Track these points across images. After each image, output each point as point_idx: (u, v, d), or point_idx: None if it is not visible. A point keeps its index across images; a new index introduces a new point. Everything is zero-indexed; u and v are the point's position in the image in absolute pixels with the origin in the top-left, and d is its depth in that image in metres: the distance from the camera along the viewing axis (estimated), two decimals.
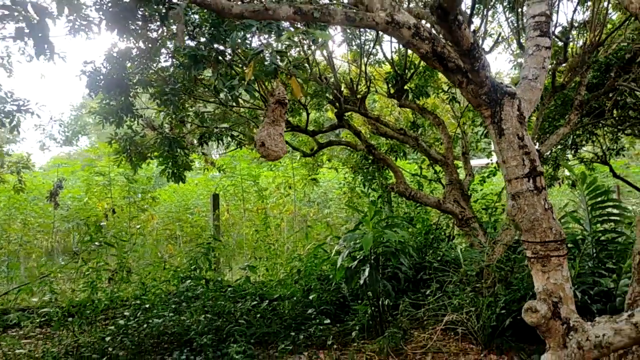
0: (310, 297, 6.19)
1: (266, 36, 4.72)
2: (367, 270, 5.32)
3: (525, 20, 3.21)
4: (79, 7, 5.31)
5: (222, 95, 6.57)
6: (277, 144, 4.26)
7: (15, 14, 2.65)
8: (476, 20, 7.95)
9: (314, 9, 2.52)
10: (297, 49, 6.96)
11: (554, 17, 7.78)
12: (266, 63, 3.70)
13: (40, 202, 10.60)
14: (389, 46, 23.50)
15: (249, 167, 10.84)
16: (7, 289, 7.87)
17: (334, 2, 4.55)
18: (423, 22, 5.63)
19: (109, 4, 5.35)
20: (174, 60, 6.86)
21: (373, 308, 5.80)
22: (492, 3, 8.16)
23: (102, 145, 10.02)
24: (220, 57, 5.03)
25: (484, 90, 2.71)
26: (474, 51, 2.51)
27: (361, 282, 5.37)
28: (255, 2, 3.08)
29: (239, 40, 4.44)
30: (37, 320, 6.17)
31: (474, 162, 10.48)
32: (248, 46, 4.79)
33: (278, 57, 3.69)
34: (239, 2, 2.71)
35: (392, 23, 2.59)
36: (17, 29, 2.66)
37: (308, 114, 7.47)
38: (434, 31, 2.71)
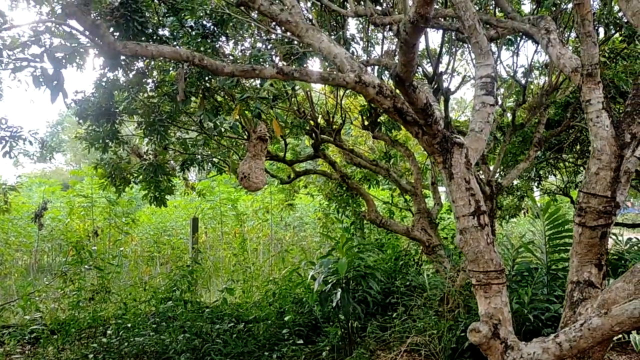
0: (285, 319, 6.55)
1: (251, 80, 5.16)
2: (339, 293, 5.72)
3: (474, 81, 3.71)
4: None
5: (206, 125, 6.97)
6: (257, 176, 4.69)
7: (32, 64, 3.04)
8: (445, 57, 8.55)
9: (294, 70, 2.97)
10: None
11: (516, 59, 8.41)
12: (251, 106, 4.13)
13: (20, 221, 10.79)
14: None
15: (228, 192, 11.21)
16: None
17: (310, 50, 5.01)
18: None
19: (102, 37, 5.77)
20: (159, 89, 7.24)
21: (343, 330, 6.18)
22: (460, 44, 8.72)
23: (86, 168, 10.30)
24: (207, 94, 5.46)
25: (436, 141, 3.18)
26: (427, 110, 2.98)
27: (333, 304, 5.75)
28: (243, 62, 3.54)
29: (227, 81, 4.87)
30: (17, 338, 6.40)
31: (443, 189, 11.02)
32: (233, 87, 5.21)
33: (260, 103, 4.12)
34: (230, 63, 3.14)
35: (360, 83, 3.04)
36: (34, 77, 3.05)
37: (286, 144, 7.91)
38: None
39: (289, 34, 6.15)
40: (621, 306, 2.78)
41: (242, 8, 6.28)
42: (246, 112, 4.63)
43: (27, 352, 6.30)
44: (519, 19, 4.05)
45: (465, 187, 3.20)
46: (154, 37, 5.96)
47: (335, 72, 3.12)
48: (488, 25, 4.56)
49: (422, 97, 2.90)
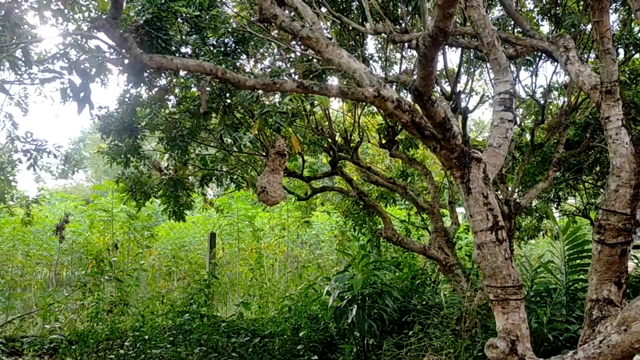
0: (301, 334, 6.54)
1: (271, 97, 5.25)
2: (355, 310, 5.71)
3: (492, 99, 3.74)
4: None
5: (226, 140, 7.07)
6: (276, 190, 4.74)
7: (60, 77, 3.14)
8: (464, 77, 8.59)
9: (314, 84, 3.03)
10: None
11: (534, 79, 8.40)
12: (270, 122, 4.20)
13: (42, 234, 10.96)
14: None
15: (245, 208, 11.29)
16: (5, 319, 8.13)
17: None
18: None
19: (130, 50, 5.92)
20: (181, 106, 7.37)
21: (358, 347, 6.15)
22: (479, 63, 8.76)
23: (106, 183, 10.46)
24: (227, 110, 5.56)
25: (454, 155, 3.20)
26: (445, 124, 3.01)
27: (349, 321, 5.74)
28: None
29: (247, 97, 4.96)
30: (36, 348, 6.47)
31: (460, 210, 10.99)
32: (253, 102, 5.30)
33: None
34: (252, 77, 3.21)
35: (379, 97, 3.09)
36: (62, 90, 3.15)
37: (304, 161, 7.98)
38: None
39: (309, 51, 6.26)
40: None
41: (263, 26, 6.43)
42: (265, 127, 4.70)
43: None
44: (537, 37, 4.08)
45: (483, 202, 3.21)
46: (177, 55, 6.09)
47: (354, 87, 3.17)
48: (507, 43, 4.60)
49: (440, 111, 2.93)
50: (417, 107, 3.03)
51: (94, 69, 3.22)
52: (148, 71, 6.49)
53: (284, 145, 4.78)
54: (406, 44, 5.80)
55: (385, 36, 4.98)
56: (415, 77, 3.47)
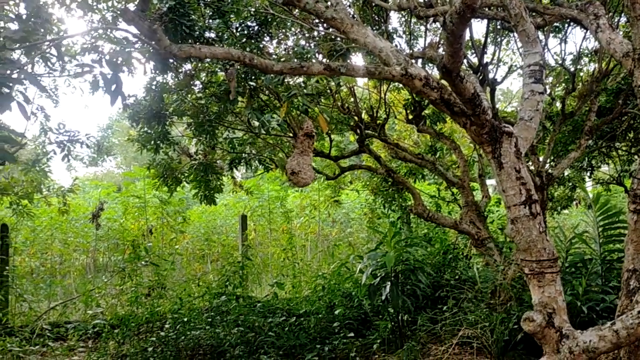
0: (336, 312, 6.63)
1: (295, 78, 5.26)
2: (388, 287, 5.76)
3: (521, 70, 3.68)
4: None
5: (253, 123, 7.11)
6: (305, 172, 4.77)
7: (92, 69, 3.20)
8: (490, 47, 8.43)
9: (341, 66, 3.03)
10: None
11: (564, 46, 8.23)
12: (297, 103, 4.22)
13: (77, 222, 11.26)
14: None
15: (276, 190, 11.39)
16: (48, 305, 8.41)
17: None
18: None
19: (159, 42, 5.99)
20: (207, 91, 7.43)
21: (393, 323, 6.21)
22: (505, 32, 8.58)
23: (137, 170, 10.65)
24: (253, 93, 5.59)
25: (485, 131, 3.18)
26: (475, 100, 2.99)
27: (383, 298, 5.80)
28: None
29: (273, 79, 4.98)
30: (80, 333, 6.70)
31: (490, 182, 10.85)
32: (279, 84, 5.31)
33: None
34: (275, 57, 3.21)
35: (406, 75, 3.08)
36: (93, 82, 3.22)
37: (331, 141, 7.98)
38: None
39: (331, 30, 6.23)
40: None
41: (285, 7, 6.41)
42: (293, 109, 4.72)
43: (89, 346, 6.61)
44: (566, 5, 3.99)
45: (515, 177, 3.20)
46: (201, 40, 6.13)
47: (381, 66, 3.16)
48: (534, 13, 4.50)
49: (469, 87, 2.91)
50: (445, 83, 3.01)
51: (122, 62, 3.27)
52: (173, 58, 6.56)
53: (312, 127, 4.80)
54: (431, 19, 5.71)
55: (410, 11, 4.91)
56: (441, 52, 3.42)
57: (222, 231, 12.51)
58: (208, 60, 6.68)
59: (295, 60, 7.03)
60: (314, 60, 6.68)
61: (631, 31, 3.30)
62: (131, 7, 6.22)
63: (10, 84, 2.43)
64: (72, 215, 10.63)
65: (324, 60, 5.78)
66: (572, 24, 7.68)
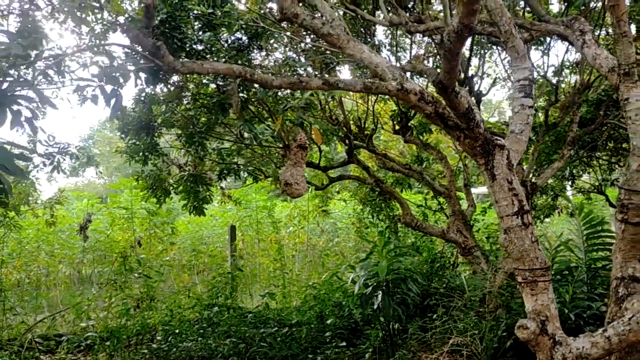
0: (328, 322, 6.67)
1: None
2: (380, 296, 5.83)
3: (505, 82, 3.80)
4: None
5: (245, 134, 7.16)
6: (299, 183, 4.84)
7: (92, 84, 3.24)
8: (474, 60, 8.59)
9: (339, 81, 3.11)
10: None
11: (547, 59, 8.41)
12: (289, 116, 4.28)
13: (63, 234, 11.15)
14: None
15: (263, 200, 11.41)
16: (34, 318, 8.31)
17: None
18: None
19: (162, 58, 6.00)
20: (196, 102, 7.45)
21: (384, 332, 6.28)
22: (489, 45, 8.75)
23: (124, 181, 10.61)
24: (244, 105, 5.65)
25: (478, 143, 3.28)
26: (469, 114, 3.09)
27: (375, 307, 5.86)
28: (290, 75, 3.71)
29: (264, 91, 5.05)
30: (75, 345, 6.65)
31: (475, 191, 10.99)
32: (268, 96, 5.38)
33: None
34: (277, 76, 3.28)
35: (402, 90, 3.17)
36: (93, 96, 3.25)
37: (320, 152, 8.05)
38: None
39: (321, 42, 6.32)
40: None
41: (274, 19, 6.49)
42: (286, 121, 4.79)
43: (80, 359, 6.56)
44: (552, 21, 4.12)
45: (507, 188, 3.30)
46: (192, 52, 6.17)
47: (377, 81, 3.25)
48: (522, 29, 4.64)
49: (464, 102, 3.01)
50: (439, 97, 3.11)
51: (120, 77, 3.32)
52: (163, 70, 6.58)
53: (305, 139, 4.88)
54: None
55: (402, 27, 5.02)
56: (430, 65, 3.51)
57: (208, 242, 12.48)
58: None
59: (283, 71, 7.14)
60: (301, 71, 6.77)
61: (616, 47, 3.43)
62: (121, 19, 6.28)
63: (20, 102, 2.47)
64: (58, 227, 10.54)
65: (315, 72, 5.86)
66: (554, 37, 7.88)
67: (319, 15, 3.72)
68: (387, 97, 9.31)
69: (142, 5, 4.87)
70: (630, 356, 3.36)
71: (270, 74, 3.20)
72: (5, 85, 2.43)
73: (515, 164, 3.42)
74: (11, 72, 2.65)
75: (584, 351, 3.11)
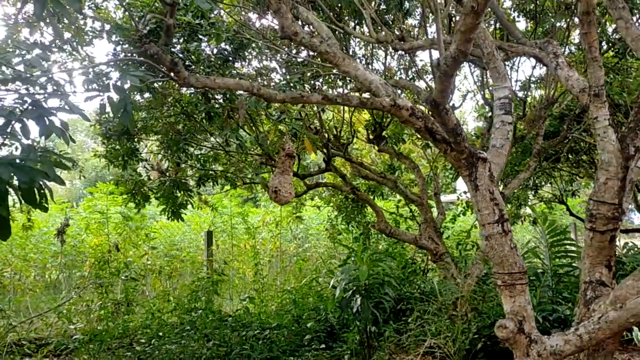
0: (308, 325, 6.86)
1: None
2: (359, 299, 6.06)
3: (493, 101, 4.11)
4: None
5: (231, 142, 7.32)
6: (287, 190, 5.04)
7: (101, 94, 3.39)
8: None
9: (337, 96, 3.35)
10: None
11: (515, 75, 8.86)
12: (281, 127, 4.50)
13: (35, 238, 11.03)
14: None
15: (238, 206, 11.55)
16: (6, 324, 8.20)
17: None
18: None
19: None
20: (175, 108, 7.57)
21: (361, 335, 6.51)
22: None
23: (101, 185, 10.59)
24: (230, 114, 5.82)
25: (463, 156, 3.56)
26: (456, 129, 3.36)
27: (353, 310, 6.09)
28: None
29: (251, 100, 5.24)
30: (50, 349, 6.66)
31: (443, 198, 11.40)
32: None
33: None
34: (280, 91, 3.50)
35: (395, 106, 3.42)
36: (101, 105, 3.39)
37: (299, 160, 8.27)
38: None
39: (306, 54, 6.56)
40: (635, 300, 3.15)
41: (258, 30, 6.70)
42: (275, 131, 4.99)
43: None
44: (528, 44, 4.46)
45: (489, 198, 3.58)
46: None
47: (372, 97, 3.50)
48: (500, 50, 4.97)
49: (453, 118, 3.28)
50: (430, 114, 3.37)
51: (127, 88, 3.49)
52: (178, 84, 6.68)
53: (292, 148, 5.09)
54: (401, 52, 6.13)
55: (388, 44, 5.30)
56: (400, 78, 3.77)
57: (181, 247, 12.53)
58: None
59: (260, 80, 7.35)
60: (277, 79, 6.98)
61: (588, 70, 3.76)
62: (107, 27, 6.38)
63: (55, 112, 2.61)
64: (32, 231, 10.45)
65: (306, 85, 6.09)
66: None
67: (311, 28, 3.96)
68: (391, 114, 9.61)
69: (142, 18, 5.04)
70: (597, 353, 3.68)
71: (271, 88, 3.42)
72: (42, 97, 2.56)
73: (496, 176, 3.71)
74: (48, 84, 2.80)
75: (558, 348, 3.41)
